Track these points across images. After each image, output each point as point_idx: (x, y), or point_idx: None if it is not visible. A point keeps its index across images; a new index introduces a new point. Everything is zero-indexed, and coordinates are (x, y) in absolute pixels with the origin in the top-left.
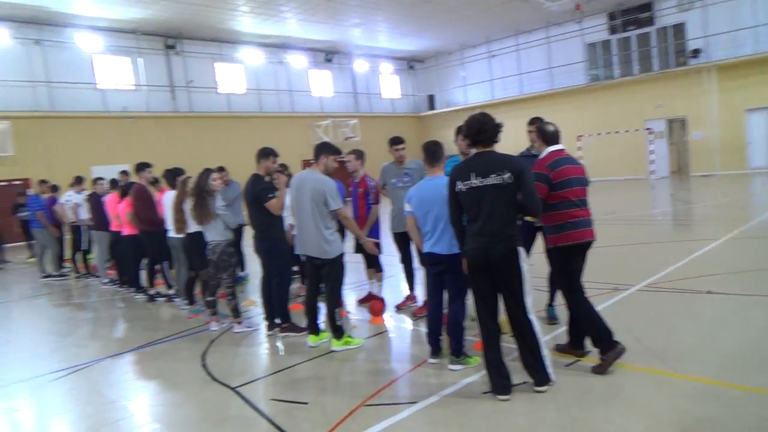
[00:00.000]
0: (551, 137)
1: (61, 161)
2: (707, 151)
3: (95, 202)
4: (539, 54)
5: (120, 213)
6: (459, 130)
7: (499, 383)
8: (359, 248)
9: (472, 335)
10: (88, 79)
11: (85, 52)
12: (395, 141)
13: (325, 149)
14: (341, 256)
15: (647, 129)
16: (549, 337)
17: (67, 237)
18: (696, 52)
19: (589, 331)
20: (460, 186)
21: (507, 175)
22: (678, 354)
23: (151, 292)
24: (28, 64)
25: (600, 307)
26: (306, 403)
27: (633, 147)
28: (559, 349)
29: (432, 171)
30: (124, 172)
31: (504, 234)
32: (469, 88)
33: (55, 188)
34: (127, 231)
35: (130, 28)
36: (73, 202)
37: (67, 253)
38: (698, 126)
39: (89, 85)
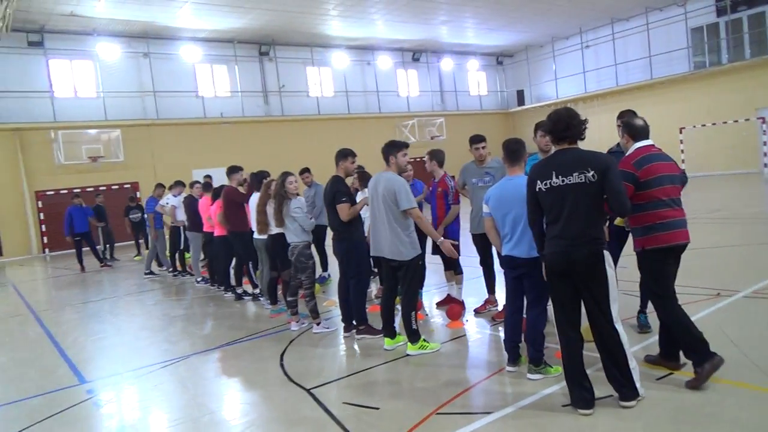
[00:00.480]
0: (639, 132)
1: (165, 165)
2: None
3: (189, 204)
4: (638, 42)
5: (211, 214)
6: (538, 127)
7: (581, 396)
8: (437, 249)
9: (554, 343)
10: (190, 88)
11: (187, 62)
12: (475, 139)
13: (391, 149)
14: (417, 257)
15: (760, 118)
16: (639, 347)
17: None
18: None
19: (681, 341)
20: (540, 185)
21: (591, 174)
22: None
23: (239, 290)
24: (138, 75)
25: (700, 315)
26: (377, 408)
27: (744, 138)
28: (650, 360)
29: (512, 170)
30: (207, 176)
31: (587, 236)
32: (561, 82)
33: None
34: (218, 232)
35: (227, 38)
36: (170, 205)
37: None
38: None
39: (191, 93)
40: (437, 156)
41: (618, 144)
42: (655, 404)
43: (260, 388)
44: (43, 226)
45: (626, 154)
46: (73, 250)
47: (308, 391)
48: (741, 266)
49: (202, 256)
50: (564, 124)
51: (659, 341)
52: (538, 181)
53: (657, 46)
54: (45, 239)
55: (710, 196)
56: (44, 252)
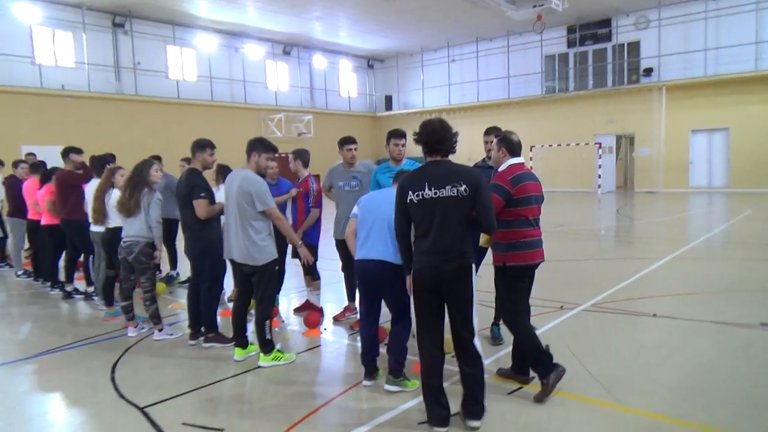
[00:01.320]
0: (516, 148)
1: None
2: (652, 168)
3: (12, 185)
4: (498, 62)
5: (39, 200)
6: (392, 135)
7: (438, 413)
8: (297, 253)
9: (412, 354)
10: (24, 53)
11: (22, 22)
12: (346, 141)
13: (257, 145)
14: (272, 263)
15: (597, 143)
16: (491, 360)
17: None
18: (648, 71)
19: (527, 355)
20: (412, 196)
21: (463, 188)
22: (624, 384)
23: (68, 288)
24: None
25: (547, 327)
26: (221, 430)
27: (582, 160)
28: (501, 373)
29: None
30: (30, 154)
31: (457, 251)
32: (427, 92)
33: None
34: (46, 220)
35: (74, 2)
36: None
37: None
38: (645, 143)
39: (25, 59)
40: (302, 156)
41: (484, 159)
42: (506, 420)
43: (84, 407)
44: None
45: (501, 170)
46: None
47: (142, 410)
48: (581, 280)
49: (27, 246)
50: (438, 137)
51: (512, 355)
52: (410, 192)
53: (515, 67)
54: None
55: (554, 211)
56: None
